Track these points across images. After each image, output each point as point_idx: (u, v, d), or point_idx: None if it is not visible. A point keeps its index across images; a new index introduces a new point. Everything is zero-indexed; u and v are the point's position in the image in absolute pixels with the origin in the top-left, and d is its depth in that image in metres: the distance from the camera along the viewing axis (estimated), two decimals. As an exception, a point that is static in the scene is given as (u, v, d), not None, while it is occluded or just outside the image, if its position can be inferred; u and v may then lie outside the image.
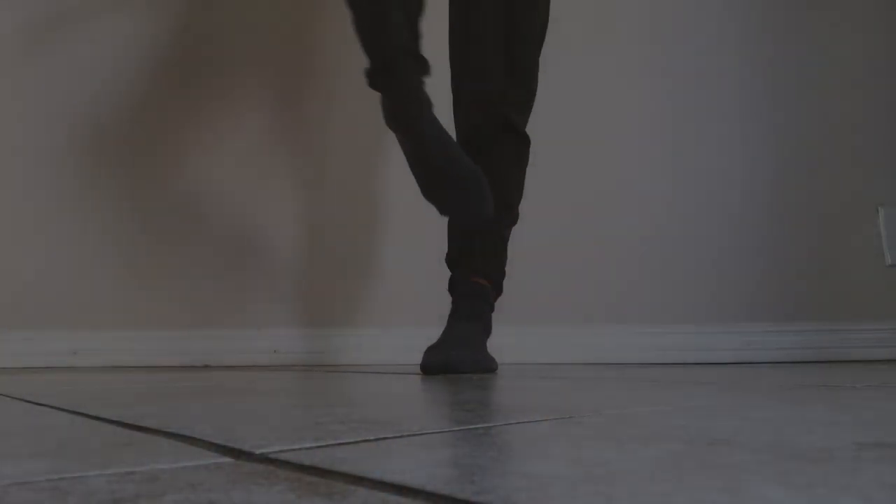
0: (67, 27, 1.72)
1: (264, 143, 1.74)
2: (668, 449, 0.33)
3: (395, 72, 1.06)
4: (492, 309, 1.23)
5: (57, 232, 1.65)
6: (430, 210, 1.21)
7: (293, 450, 0.34)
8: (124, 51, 1.72)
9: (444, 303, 1.26)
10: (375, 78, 1.09)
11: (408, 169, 1.12)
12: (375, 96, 1.12)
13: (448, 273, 1.25)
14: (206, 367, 1.54)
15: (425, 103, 1.08)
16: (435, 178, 1.07)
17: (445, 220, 1.26)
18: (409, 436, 0.39)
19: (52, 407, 0.59)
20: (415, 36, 1.10)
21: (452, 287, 1.23)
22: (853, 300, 1.62)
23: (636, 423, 0.44)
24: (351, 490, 0.26)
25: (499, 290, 1.25)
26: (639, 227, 1.67)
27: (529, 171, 1.30)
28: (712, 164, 1.69)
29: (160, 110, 1.71)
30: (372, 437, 0.38)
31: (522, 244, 1.59)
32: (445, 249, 1.27)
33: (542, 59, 1.29)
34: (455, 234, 1.24)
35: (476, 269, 1.21)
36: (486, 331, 1.21)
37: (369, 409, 0.55)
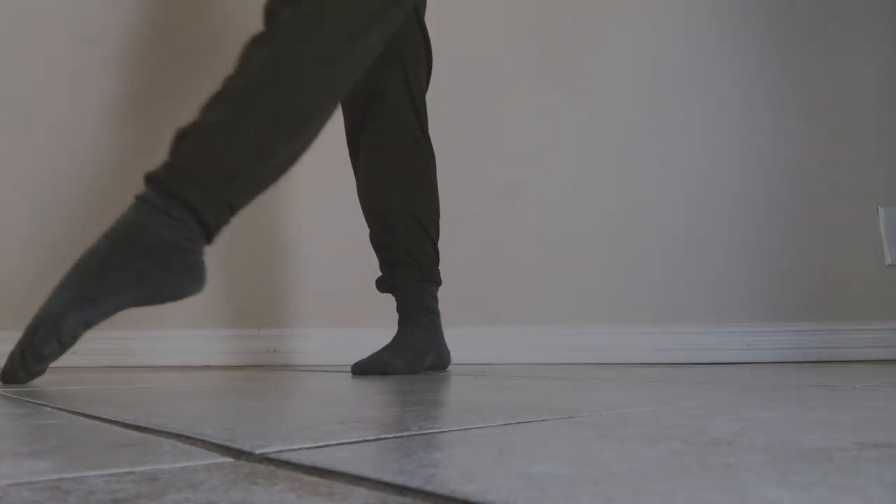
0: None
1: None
2: (668, 449, 0.33)
3: None
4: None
5: (57, 232, 1.65)
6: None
7: (293, 450, 0.34)
8: (123, 49, 1.72)
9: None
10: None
11: None
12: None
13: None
14: (206, 367, 1.54)
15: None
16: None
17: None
18: (408, 436, 0.39)
19: (52, 407, 0.59)
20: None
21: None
22: (853, 300, 1.62)
23: (636, 423, 0.44)
24: (351, 490, 0.26)
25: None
26: (638, 227, 1.67)
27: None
28: (712, 164, 1.69)
29: (159, 112, 1.71)
30: (372, 437, 0.38)
31: (523, 245, 1.60)
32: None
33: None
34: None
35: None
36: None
37: (369, 409, 0.55)
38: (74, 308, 0.84)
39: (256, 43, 0.93)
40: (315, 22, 0.93)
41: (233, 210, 0.92)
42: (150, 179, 0.90)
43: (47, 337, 0.83)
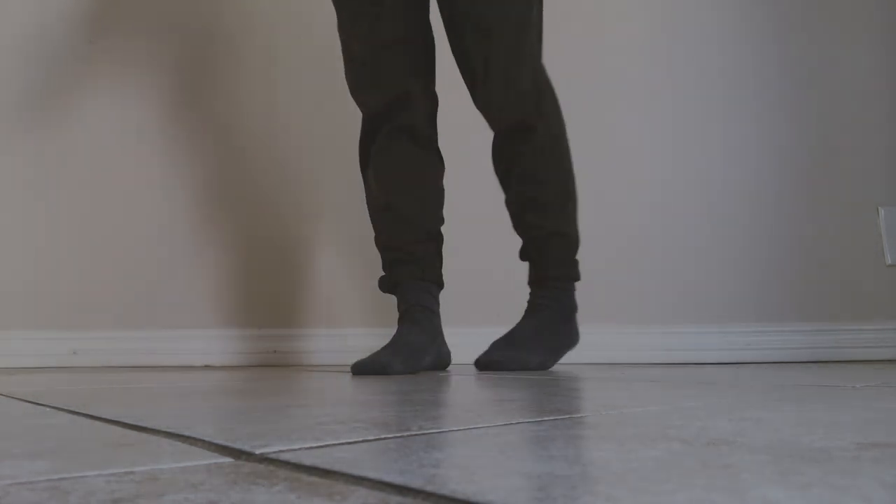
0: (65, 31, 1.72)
1: (265, 145, 1.74)
2: (668, 449, 0.33)
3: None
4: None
5: (57, 232, 1.65)
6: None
7: (293, 450, 0.34)
8: (125, 55, 1.72)
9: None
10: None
11: None
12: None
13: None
14: (206, 367, 1.54)
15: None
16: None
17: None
18: (409, 436, 0.39)
19: (52, 407, 0.59)
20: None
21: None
22: (853, 300, 1.62)
23: (636, 423, 0.44)
24: (351, 490, 0.26)
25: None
26: (639, 227, 1.67)
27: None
28: (713, 164, 1.69)
29: (159, 114, 1.71)
30: (372, 437, 0.38)
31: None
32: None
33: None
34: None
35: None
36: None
37: (369, 409, 0.55)
38: (551, 356, 1.26)
39: (534, 156, 1.26)
40: (553, 125, 1.29)
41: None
42: (549, 277, 1.28)
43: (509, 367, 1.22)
